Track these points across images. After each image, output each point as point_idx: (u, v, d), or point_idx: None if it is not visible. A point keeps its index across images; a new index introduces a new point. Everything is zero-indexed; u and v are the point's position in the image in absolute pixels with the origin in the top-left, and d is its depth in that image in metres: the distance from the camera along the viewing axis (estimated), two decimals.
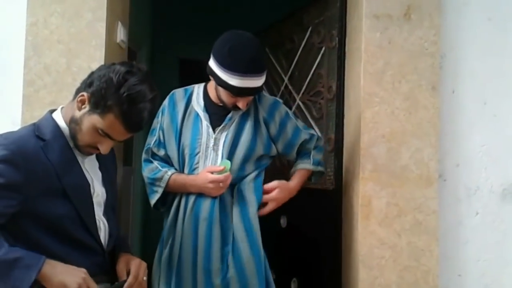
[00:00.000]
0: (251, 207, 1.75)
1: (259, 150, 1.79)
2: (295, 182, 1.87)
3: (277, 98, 1.94)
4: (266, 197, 1.80)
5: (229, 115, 1.78)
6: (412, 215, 1.91)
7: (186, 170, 1.77)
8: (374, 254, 1.88)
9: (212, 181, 1.67)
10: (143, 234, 3.90)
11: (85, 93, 1.26)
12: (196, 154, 1.76)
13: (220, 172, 1.67)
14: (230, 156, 1.75)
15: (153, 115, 1.30)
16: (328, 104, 2.24)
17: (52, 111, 1.35)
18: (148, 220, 3.95)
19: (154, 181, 1.77)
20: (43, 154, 1.23)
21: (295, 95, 2.50)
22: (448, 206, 1.99)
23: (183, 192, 1.75)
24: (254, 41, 1.70)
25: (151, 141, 1.83)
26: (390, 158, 1.91)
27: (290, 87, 2.56)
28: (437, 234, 1.92)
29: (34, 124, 1.30)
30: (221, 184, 1.68)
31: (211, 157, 1.75)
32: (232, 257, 1.70)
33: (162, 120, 1.81)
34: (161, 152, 1.81)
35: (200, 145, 1.75)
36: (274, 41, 2.68)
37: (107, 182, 1.40)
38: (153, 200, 1.80)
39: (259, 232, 1.77)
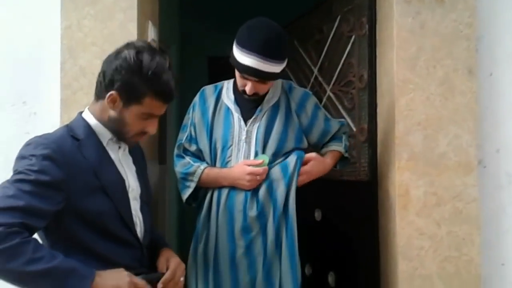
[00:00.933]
0: (279, 188, 1.73)
1: (290, 142, 1.78)
2: (329, 159, 1.87)
3: (307, 90, 1.94)
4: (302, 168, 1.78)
5: (260, 107, 1.79)
6: (452, 204, 1.86)
7: (218, 164, 1.78)
8: (413, 245, 1.85)
9: (250, 173, 1.68)
10: (179, 232, 3.95)
11: (113, 92, 1.28)
12: (229, 147, 1.76)
13: (258, 165, 1.68)
14: (263, 148, 1.75)
15: (176, 79, 1.33)
16: (360, 94, 2.21)
17: (81, 112, 1.38)
18: (184, 218, 4.00)
19: (187, 176, 1.79)
20: (79, 153, 1.26)
21: (325, 86, 2.47)
22: (489, 193, 1.93)
23: (214, 187, 1.76)
24: (275, 27, 1.69)
25: (183, 137, 1.85)
26: (426, 146, 1.87)
27: (320, 78, 2.53)
28: (478, 223, 1.87)
29: (67, 126, 1.34)
30: (258, 177, 1.69)
31: (244, 149, 1.76)
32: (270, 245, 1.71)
33: (193, 116, 1.84)
34: (193, 148, 1.83)
35: (233, 138, 1.76)
36: (303, 33, 2.66)
37: (141, 176, 1.43)
38: (186, 195, 1.82)
39: (293, 212, 1.76)
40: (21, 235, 1.10)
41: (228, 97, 1.83)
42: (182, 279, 1.37)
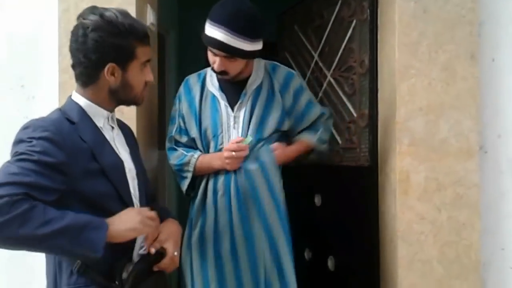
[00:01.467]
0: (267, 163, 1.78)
1: (271, 124, 1.78)
2: (294, 148, 1.87)
3: (292, 70, 1.92)
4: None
5: (244, 91, 1.78)
6: (452, 189, 1.86)
7: (211, 151, 1.79)
8: (414, 229, 1.85)
9: (226, 150, 1.71)
10: (179, 217, 3.95)
11: (110, 64, 1.25)
12: (219, 135, 1.77)
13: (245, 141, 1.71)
14: (254, 133, 1.77)
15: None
16: (360, 79, 2.19)
17: (70, 96, 1.34)
18: (183, 203, 4.00)
19: (182, 167, 1.80)
20: (77, 135, 1.24)
21: (325, 71, 2.45)
22: (490, 179, 1.93)
23: (210, 173, 1.77)
24: (247, 4, 1.68)
25: (172, 129, 1.86)
26: (428, 131, 1.86)
27: (320, 63, 2.51)
28: (478, 208, 1.87)
29: (59, 110, 1.31)
30: (233, 153, 1.69)
31: (234, 135, 1.77)
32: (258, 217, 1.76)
33: (180, 107, 1.84)
34: (184, 139, 1.84)
35: (222, 125, 1.77)
36: (303, 18, 2.63)
37: (134, 155, 1.42)
38: (185, 186, 1.83)
39: (277, 185, 1.81)
40: (28, 202, 1.08)
41: (212, 84, 1.82)
42: (176, 253, 1.37)
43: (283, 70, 1.87)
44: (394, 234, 1.90)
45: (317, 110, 1.88)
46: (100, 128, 1.31)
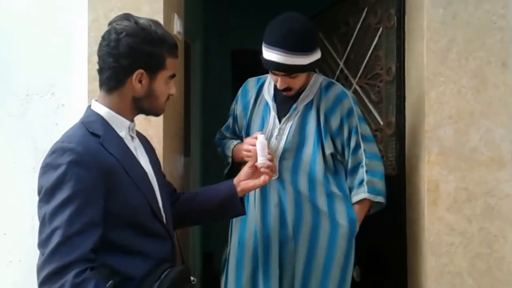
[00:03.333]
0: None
1: (327, 146, 1.76)
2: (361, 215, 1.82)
3: (346, 90, 1.85)
4: None
5: (294, 105, 1.78)
6: (483, 200, 1.81)
7: None
8: (443, 241, 1.81)
9: (246, 143, 1.73)
10: (203, 225, 3.96)
11: (139, 70, 1.24)
12: None
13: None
14: (295, 149, 1.76)
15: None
16: (387, 87, 2.16)
17: (90, 106, 1.33)
18: None
19: (225, 151, 1.89)
20: (105, 151, 1.21)
21: (351, 79, 2.43)
22: None
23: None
24: (298, 20, 1.67)
25: (224, 125, 1.97)
26: (458, 140, 1.82)
27: (346, 71, 2.49)
28: (511, 219, 1.81)
29: (82, 123, 1.27)
30: (250, 146, 1.67)
31: (274, 145, 1.77)
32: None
33: (235, 107, 1.91)
34: (228, 134, 1.93)
35: (265, 134, 1.77)
36: (329, 25, 2.62)
37: (154, 164, 1.41)
38: (225, 170, 1.92)
39: None
40: (90, 282, 1.09)
41: (268, 92, 1.85)
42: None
43: (335, 89, 1.81)
44: (422, 245, 1.85)
45: (363, 147, 1.78)
46: (123, 139, 1.29)
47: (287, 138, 1.77)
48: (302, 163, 1.76)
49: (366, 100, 2.30)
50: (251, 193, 1.77)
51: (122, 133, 1.29)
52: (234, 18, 4.06)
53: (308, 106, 1.78)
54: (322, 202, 1.74)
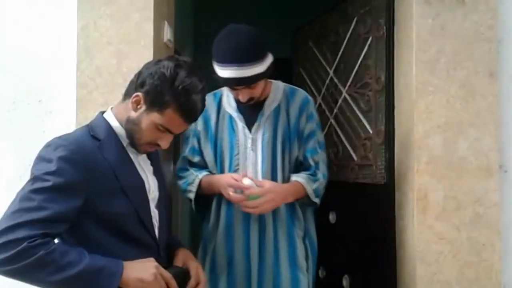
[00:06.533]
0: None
1: (294, 150, 1.77)
2: (289, 190, 1.75)
3: (308, 95, 1.87)
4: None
5: (261, 112, 1.77)
6: (472, 208, 1.83)
7: (226, 172, 1.77)
8: (432, 249, 1.81)
9: (230, 186, 1.67)
10: (191, 234, 3.94)
11: (139, 93, 1.27)
12: (235, 156, 1.75)
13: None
14: (271, 156, 1.74)
15: (204, 104, 1.32)
16: (377, 96, 2.18)
17: (103, 112, 1.37)
18: (196, 220, 3.99)
19: (187, 187, 1.79)
20: (100, 154, 1.25)
21: (341, 88, 2.44)
22: (510, 198, 1.89)
23: (215, 194, 1.76)
24: (240, 31, 1.64)
25: (186, 149, 1.84)
26: (446, 149, 1.83)
27: (335, 80, 2.51)
28: (499, 228, 1.83)
29: (87, 126, 1.33)
30: (231, 191, 1.66)
31: (251, 157, 1.75)
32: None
33: (196, 126, 1.81)
34: (196, 159, 1.82)
35: (238, 146, 1.75)
36: (318, 34, 2.64)
37: (159, 177, 1.42)
38: (192, 204, 1.82)
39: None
40: (45, 246, 1.11)
41: (229, 105, 1.81)
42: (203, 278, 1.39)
43: (300, 94, 1.84)
44: (412, 254, 1.86)
45: (321, 151, 1.82)
46: (126, 147, 1.32)
47: (262, 147, 1.74)
48: (278, 175, 1.75)
49: (356, 109, 2.32)
50: (227, 207, 1.75)
51: (125, 142, 1.32)
52: (225, 25, 4.07)
53: (276, 111, 1.78)
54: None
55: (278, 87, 1.83)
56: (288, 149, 1.77)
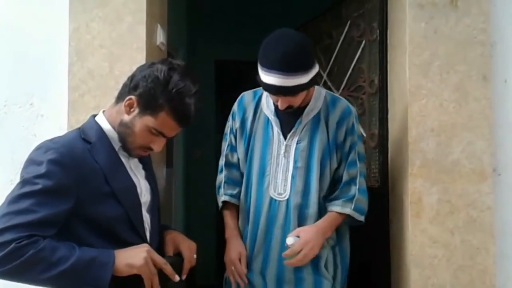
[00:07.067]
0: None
1: (334, 161, 1.71)
2: (325, 226, 1.68)
3: (350, 106, 1.77)
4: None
5: (299, 119, 1.70)
6: (466, 212, 1.82)
7: (255, 177, 1.73)
8: (426, 253, 1.81)
9: (233, 265, 1.69)
10: (186, 236, 3.92)
11: (132, 97, 1.26)
12: (268, 161, 1.71)
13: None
14: (306, 163, 1.69)
15: (198, 107, 1.30)
16: (370, 99, 2.18)
17: (95, 115, 1.36)
18: (190, 222, 3.97)
19: (218, 194, 1.83)
20: (90, 157, 1.24)
21: (334, 91, 2.44)
22: (504, 201, 1.89)
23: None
24: (291, 38, 1.56)
25: (225, 146, 1.82)
26: (440, 152, 1.83)
27: (329, 83, 2.51)
28: (493, 231, 1.83)
29: (79, 129, 1.32)
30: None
31: (282, 164, 1.70)
32: None
33: (233, 124, 1.79)
34: (235, 157, 1.80)
35: (271, 152, 1.71)
36: (312, 37, 2.63)
37: (151, 180, 1.42)
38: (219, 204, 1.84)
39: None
40: (34, 245, 1.11)
41: (268, 107, 1.75)
42: (195, 256, 1.38)
43: (342, 103, 1.75)
44: (406, 258, 1.85)
45: (360, 164, 1.72)
46: (117, 151, 1.31)
47: (295, 155, 1.69)
48: (312, 186, 1.69)
49: None
50: (255, 211, 1.71)
51: (117, 146, 1.31)
52: (218, 28, 4.06)
53: (315, 119, 1.71)
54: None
55: (320, 95, 1.74)
56: (328, 161, 1.70)
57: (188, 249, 1.37)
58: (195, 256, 1.38)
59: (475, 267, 1.81)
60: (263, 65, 1.58)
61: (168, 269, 1.25)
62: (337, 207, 1.69)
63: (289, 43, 1.54)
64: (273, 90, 1.58)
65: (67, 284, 1.14)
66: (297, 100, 1.63)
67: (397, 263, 1.96)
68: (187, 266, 1.35)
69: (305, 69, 1.56)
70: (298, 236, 1.62)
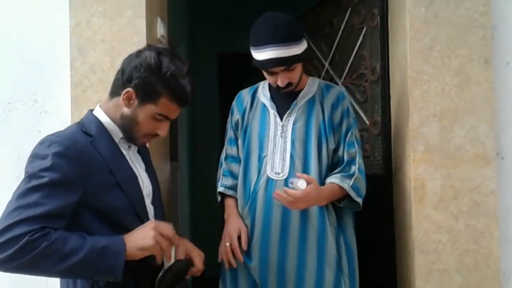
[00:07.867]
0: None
1: (331, 142, 1.74)
2: (327, 192, 1.67)
3: (344, 92, 1.85)
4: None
5: (295, 101, 1.77)
6: (470, 197, 1.82)
7: (254, 159, 1.77)
8: (431, 238, 1.81)
9: (229, 239, 1.71)
10: (192, 229, 3.95)
11: (129, 89, 1.27)
12: (265, 143, 1.76)
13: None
14: (303, 142, 1.72)
15: (192, 86, 1.32)
16: (372, 86, 2.17)
17: (91, 110, 1.37)
18: (196, 215, 4.00)
19: (218, 186, 1.87)
20: (93, 149, 1.25)
21: (336, 79, 2.44)
22: (508, 185, 1.88)
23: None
24: (277, 15, 1.67)
25: (226, 140, 1.89)
26: (442, 138, 1.83)
27: (331, 72, 2.50)
28: (497, 215, 1.83)
29: (78, 123, 1.33)
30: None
31: (280, 144, 1.74)
32: None
33: (232, 118, 1.87)
34: (233, 150, 1.86)
35: (268, 133, 1.76)
36: (313, 26, 2.62)
37: (150, 172, 1.43)
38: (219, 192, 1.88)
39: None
40: (46, 237, 1.12)
41: (264, 95, 1.84)
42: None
43: (335, 89, 1.82)
44: (410, 243, 1.86)
45: (358, 147, 1.75)
46: (117, 143, 1.33)
47: (292, 135, 1.73)
48: (311, 164, 1.71)
49: (352, 100, 2.31)
50: (253, 191, 1.73)
51: (117, 139, 1.33)
52: (220, 21, 4.05)
53: (310, 102, 1.77)
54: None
55: (314, 82, 1.83)
56: (325, 140, 1.73)
57: (199, 256, 1.40)
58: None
59: (480, 252, 1.81)
60: (256, 45, 1.66)
61: (175, 240, 1.28)
62: (336, 179, 1.69)
63: (278, 18, 1.65)
64: (270, 63, 1.65)
65: (81, 274, 1.17)
66: (294, 76, 1.70)
67: (402, 249, 1.96)
68: (196, 271, 1.38)
69: (297, 39, 1.66)
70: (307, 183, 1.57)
